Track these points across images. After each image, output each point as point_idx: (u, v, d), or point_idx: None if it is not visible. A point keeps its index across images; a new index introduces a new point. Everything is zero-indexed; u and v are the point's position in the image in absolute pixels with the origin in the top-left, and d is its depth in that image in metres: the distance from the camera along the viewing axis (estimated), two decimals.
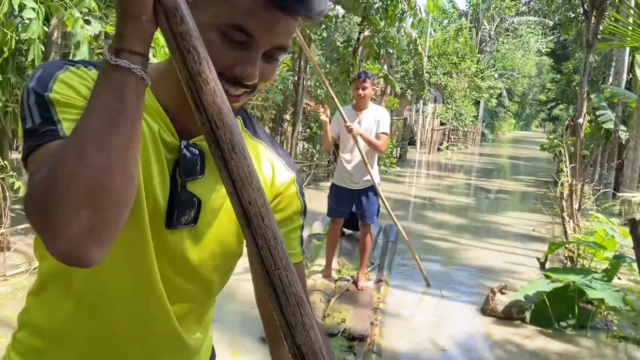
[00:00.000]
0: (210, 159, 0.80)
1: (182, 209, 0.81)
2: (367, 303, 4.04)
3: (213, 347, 1.06)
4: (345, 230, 5.51)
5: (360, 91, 4.11)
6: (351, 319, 3.69)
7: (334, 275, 4.49)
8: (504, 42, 31.36)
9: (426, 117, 20.54)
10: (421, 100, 19.10)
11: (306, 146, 10.40)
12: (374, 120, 4.15)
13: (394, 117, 15.09)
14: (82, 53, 3.15)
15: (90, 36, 3.35)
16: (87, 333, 0.85)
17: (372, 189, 4.23)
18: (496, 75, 26.67)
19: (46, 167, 0.61)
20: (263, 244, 0.62)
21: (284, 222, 0.92)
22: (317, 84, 9.26)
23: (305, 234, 5.78)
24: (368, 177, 4.17)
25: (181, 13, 0.61)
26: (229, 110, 0.62)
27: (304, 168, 9.65)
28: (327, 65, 9.33)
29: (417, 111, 20.16)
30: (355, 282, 4.35)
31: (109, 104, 0.62)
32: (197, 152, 0.81)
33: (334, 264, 4.58)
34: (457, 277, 5.15)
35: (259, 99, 7.71)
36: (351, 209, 4.31)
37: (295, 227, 0.94)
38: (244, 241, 0.89)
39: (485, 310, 4.10)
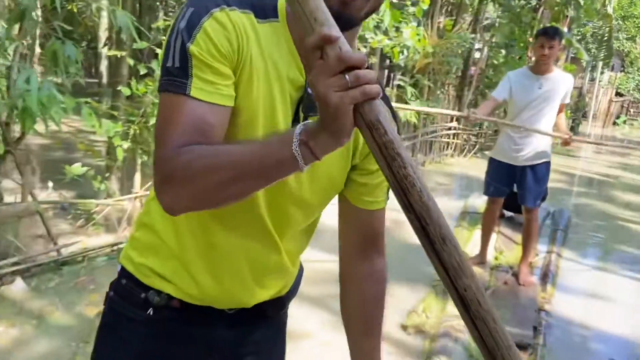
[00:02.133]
0: None
1: None
2: (530, 302, 3.55)
3: (301, 265, 1.15)
4: (505, 212, 5.05)
5: (546, 50, 3.39)
6: (509, 320, 3.23)
7: (489, 263, 4.03)
8: None
9: (602, 87, 18.25)
10: (598, 68, 16.96)
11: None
12: (560, 88, 3.49)
13: None
14: None
15: None
16: (203, 243, 0.95)
17: (542, 166, 3.62)
18: None
19: (186, 163, 0.76)
20: (482, 326, 0.65)
21: (378, 173, 0.98)
22: (492, 47, 8.55)
23: (458, 209, 5.56)
24: (538, 152, 3.57)
25: (384, 125, 0.64)
26: (435, 205, 0.65)
27: (470, 136, 9.16)
28: (499, 24, 8.56)
29: (591, 80, 17.98)
30: (516, 275, 3.84)
31: (268, 167, 0.73)
32: None
33: (490, 250, 4.11)
34: None
35: (439, 63, 7.27)
36: (511, 188, 3.76)
37: None
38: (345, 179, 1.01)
39: None
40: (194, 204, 0.81)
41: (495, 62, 8.57)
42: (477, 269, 3.84)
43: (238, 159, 0.74)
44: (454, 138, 8.67)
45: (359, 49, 5.45)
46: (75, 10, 3.50)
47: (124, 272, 1.03)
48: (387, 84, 7.33)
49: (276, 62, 0.85)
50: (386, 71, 7.46)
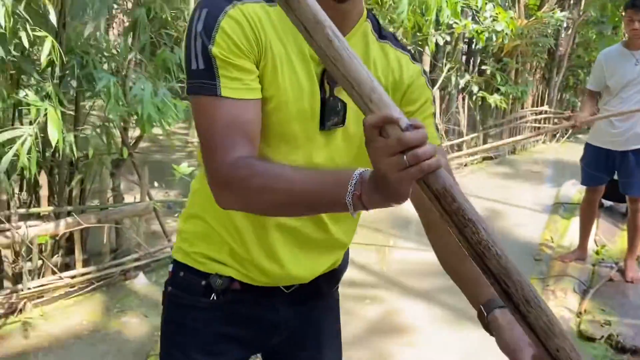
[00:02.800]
0: None
1: (331, 112, 0.93)
2: None
3: (348, 251, 1.16)
4: (603, 201, 4.72)
5: (636, 23, 3.18)
6: (619, 321, 2.98)
7: (590, 258, 3.78)
8: None
9: None
10: None
11: (567, 96, 9.25)
12: None
13: None
14: None
15: None
16: (256, 224, 0.98)
17: None
18: None
19: (245, 178, 0.81)
20: None
21: (419, 111, 1.01)
22: (583, 24, 8.00)
23: (551, 199, 5.30)
24: None
25: (451, 194, 0.64)
26: (514, 267, 0.65)
27: (562, 120, 8.69)
28: None
29: None
30: (622, 271, 3.58)
31: (319, 205, 0.80)
32: None
33: (590, 244, 3.84)
34: None
35: (527, 45, 6.95)
36: (611, 175, 3.52)
37: (429, 114, 1.03)
38: None
39: None
40: (244, 210, 0.90)
41: (588, 39, 8.04)
42: (577, 265, 3.65)
43: (294, 189, 0.79)
44: (544, 122, 8.28)
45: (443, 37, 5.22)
46: (169, 18, 3.70)
47: (179, 265, 1.05)
48: (467, 69, 7.13)
49: (295, 42, 0.88)
50: (464, 57, 7.23)
